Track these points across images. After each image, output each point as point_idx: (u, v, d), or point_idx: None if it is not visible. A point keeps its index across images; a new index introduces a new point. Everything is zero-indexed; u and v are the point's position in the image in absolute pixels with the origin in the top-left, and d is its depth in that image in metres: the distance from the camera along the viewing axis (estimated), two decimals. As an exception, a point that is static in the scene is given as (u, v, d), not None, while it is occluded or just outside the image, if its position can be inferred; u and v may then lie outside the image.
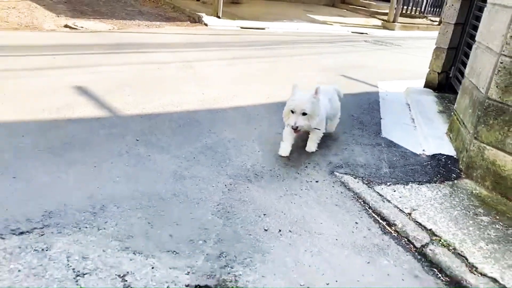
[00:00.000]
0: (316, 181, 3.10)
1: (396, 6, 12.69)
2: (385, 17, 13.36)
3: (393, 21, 12.80)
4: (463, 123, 3.56)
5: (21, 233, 2.13)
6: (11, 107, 3.58)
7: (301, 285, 2.08)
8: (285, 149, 3.35)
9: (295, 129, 3.16)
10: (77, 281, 1.87)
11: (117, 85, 4.48)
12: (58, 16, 8.04)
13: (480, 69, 3.36)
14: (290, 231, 2.48)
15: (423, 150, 3.76)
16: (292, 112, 3.16)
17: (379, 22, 13.51)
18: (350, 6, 15.85)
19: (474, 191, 3.15)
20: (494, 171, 3.11)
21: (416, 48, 9.88)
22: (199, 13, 9.82)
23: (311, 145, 3.48)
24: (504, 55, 3.00)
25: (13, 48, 5.45)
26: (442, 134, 4.08)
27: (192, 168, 3.02)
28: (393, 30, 12.63)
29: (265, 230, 2.46)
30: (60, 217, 2.28)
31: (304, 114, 3.14)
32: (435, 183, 3.22)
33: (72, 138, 3.19)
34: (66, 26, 7.38)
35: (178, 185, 2.76)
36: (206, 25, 9.38)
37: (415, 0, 14.52)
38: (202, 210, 2.54)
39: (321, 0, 15.95)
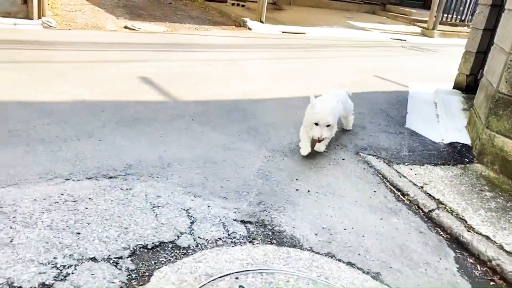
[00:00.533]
0: (343, 159, 3.62)
1: (436, 14, 12.90)
2: (425, 25, 13.58)
3: (433, 29, 13.01)
4: (478, 115, 3.98)
5: (110, 177, 2.79)
6: (91, 90, 4.33)
7: (323, 228, 2.62)
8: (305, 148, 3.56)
9: (321, 140, 3.42)
10: (153, 210, 2.51)
11: (174, 77, 5.17)
12: (118, 18, 8.94)
13: (494, 67, 3.79)
14: (317, 192, 3.03)
15: (442, 139, 4.19)
16: (316, 124, 3.35)
17: (418, 30, 13.74)
18: (391, 13, 16.12)
19: (483, 173, 3.57)
20: (502, 156, 3.53)
21: (452, 54, 10.10)
22: (243, 18, 10.51)
23: (321, 146, 3.56)
24: (513, 54, 3.42)
25: (85, 44, 6.30)
26: (462, 127, 4.49)
27: (238, 142, 3.62)
28: (432, 37, 12.84)
29: (296, 190, 3.01)
30: (137, 169, 2.94)
31: (327, 125, 3.36)
32: (449, 165, 3.66)
33: (141, 116, 3.87)
34: (125, 27, 8.24)
35: (227, 154, 3.37)
36: (250, 29, 10.04)
37: (456, 8, 14.63)
38: (246, 172, 3.14)
39: (362, 7, 16.33)
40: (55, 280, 1.89)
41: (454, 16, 14.75)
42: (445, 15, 14.25)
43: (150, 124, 3.73)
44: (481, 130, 3.76)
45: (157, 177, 2.87)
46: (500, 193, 3.26)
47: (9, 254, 1.99)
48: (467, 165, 3.70)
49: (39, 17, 7.21)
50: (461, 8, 14.83)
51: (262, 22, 10.62)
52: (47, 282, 1.87)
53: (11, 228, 2.17)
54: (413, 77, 6.96)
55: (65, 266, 1.98)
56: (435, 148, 3.99)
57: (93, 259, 2.04)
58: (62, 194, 2.52)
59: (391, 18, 15.76)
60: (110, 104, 4.06)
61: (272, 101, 4.81)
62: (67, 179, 2.69)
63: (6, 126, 3.30)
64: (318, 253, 2.37)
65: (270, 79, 5.73)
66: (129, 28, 8.18)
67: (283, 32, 10.30)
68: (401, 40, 11.89)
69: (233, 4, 12.97)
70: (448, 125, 4.55)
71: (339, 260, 2.34)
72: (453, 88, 6.13)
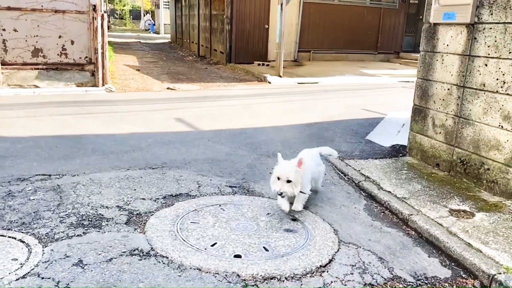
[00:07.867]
0: (310, 159, 5.23)
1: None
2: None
3: (437, 70, 14.46)
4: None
5: (153, 168, 4.59)
6: (141, 127, 6.29)
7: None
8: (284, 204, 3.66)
9: (280, 194, 3.51)
10: (177, 181, 4.24)
11: (199, 117, 7.09)
12: (162, 82, 11.24)
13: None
14: (284, 174, 4.65)
15: (389, 145, 5.71)
16: (278, 179, 3.49)
17: (426, 72, 15.22)
18: (404, 60, 17.78)
19: (409, 162, 5.05)
20: (421, 148, 5.02)
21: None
22: (264, 74, 12.59)
23: (297, 205, 3.69)
24: (419, 78, 5.03)
25: (137, 100, 8.45)
26: (410, 136, 5.98)
27: (237, 150, 5.36)
28: (437, 77, 14.27)
29: (270, 172, 4.65)
30: (169, 164, 4.72)
31: (288, 181, 3.45)
32: (385, 158, 5.18)
33: (173, 139, 5.73)
34: (168, 88, 10.47)
35: (228, 156, 5.11)
36: (269, 82, 12.04)
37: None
38: (238, 165, 4.84)
39: (377, 57, 18.15)
40: (123, 205, 3.65)
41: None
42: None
43: (179, 143, 5.58)
44: (410, 132, 5.29)
45: (181, 168, 4.64)
46: (413, 171, 4.74)
47: (100, 197, 3.79)
48: (400, 157, 5.20)
49: (103, 85, 9.56)
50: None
51: (280, 76, 12.63)
52: (119, 205, 3.63)
53: (99, 187, 3.99)
54: (398, 107, 8.48)
55: (129, 201, 3.74)
56: (380, 149, 5.52)
57: (143, 199, 3.79)
58: (125, 175, 4.34)
59: (403, 64, 17.40)
60: (154, 134, 5.98)
61: (268, 128, 6.55)
62: (128, 169, 4.52)
63: (91, 146, 5.24)
64: (272, 199, 3.99)
65: (273, 115, 7.52)
66: (170, 89, 10.39)
67: (298, 83, 12.22)
68: (408, 82, 13.42)
69: (258, 64, 15.22)
70: (402, 135, 6.05)
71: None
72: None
